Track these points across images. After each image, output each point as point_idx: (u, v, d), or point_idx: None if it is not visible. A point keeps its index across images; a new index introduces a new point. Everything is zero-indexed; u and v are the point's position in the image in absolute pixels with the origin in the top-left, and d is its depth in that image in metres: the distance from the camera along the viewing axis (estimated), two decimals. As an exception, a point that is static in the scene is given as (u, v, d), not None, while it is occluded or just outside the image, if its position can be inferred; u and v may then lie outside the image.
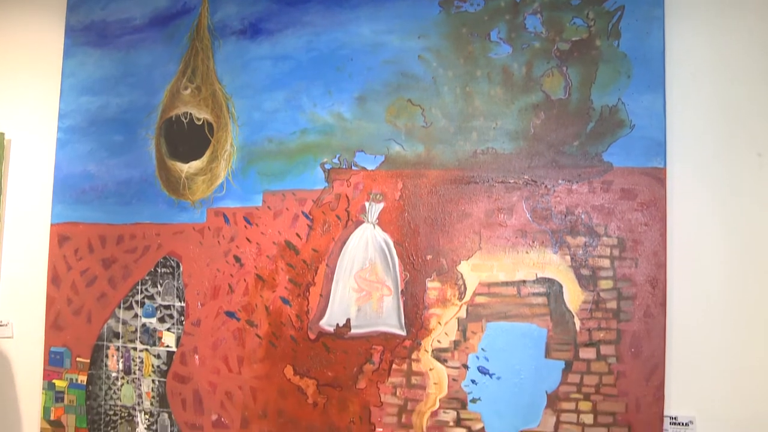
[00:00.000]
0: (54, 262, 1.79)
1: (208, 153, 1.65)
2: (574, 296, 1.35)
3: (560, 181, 1.37)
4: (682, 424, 1.31)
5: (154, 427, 1.65)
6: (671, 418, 1.31)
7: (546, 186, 1.38)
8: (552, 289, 1.36)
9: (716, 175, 1.35)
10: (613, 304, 1.32)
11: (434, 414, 1.42)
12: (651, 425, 1.29)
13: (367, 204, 1.48)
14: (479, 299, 1.40)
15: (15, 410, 1.85)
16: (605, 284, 1.33)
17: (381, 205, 1.47)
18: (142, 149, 1.73)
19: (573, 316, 1.35)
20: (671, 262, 1.32)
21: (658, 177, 1.32)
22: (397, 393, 1.45)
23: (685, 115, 1.37)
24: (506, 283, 1.39)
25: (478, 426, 1.39)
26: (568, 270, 1.35)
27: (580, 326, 1.34)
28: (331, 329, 1.49)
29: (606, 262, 1.34)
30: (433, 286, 1.43)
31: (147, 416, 1.67)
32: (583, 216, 1.36)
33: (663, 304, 1.30)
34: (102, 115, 1.77)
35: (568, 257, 1.35)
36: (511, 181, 1.41)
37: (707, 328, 1.32)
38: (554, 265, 1.36)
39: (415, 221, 1.45)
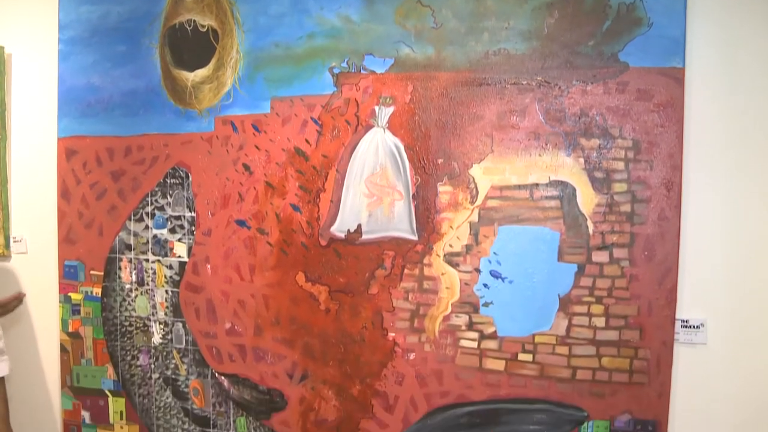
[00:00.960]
0: (63, 177, 1.96)
1: (213, 60, 1.78)
2: (587, 199, 1.45)
3: (574, 82, 1.45)
4: (693, 327, 1.44)
5: (169, 337, 1.85)
6: (683, 321, 1.44)
7: (560, 87, 1.47)
8: (565, 192, 1.47)
9: (736, 75, 1.40)
10: (626, 207, 1.43)
11: (446, 318, 1.57)
12: (662, 328, 1.42)
13: (376, 108, 1.60)
14: (491, 203, 1.52)
15: (35, 323, 2.06)
16: (619, 187, 1.43)
17: (391, 109, 1.60)
18: (147, 59, 1.86)
19: (586, 220, 1.45)
20: (687, 165, 1.40)
21: (676, 77, 1.39)
22: (409, 298, 1.60)
23: (706, 12, 1.40)
24: (519, 187, 1.50)
25: (491, 330, 1.54)
26: (582, 173, 1.46)
27: (593, 229, 1.45)
28: (342, 235, 1.64)
29: (620, 165, 1.43)
30: (444, 190, 1.56)
31: (162, 326, 1.87)
32: (597, 118, 1.44)
33: (678, 207, 1.39)
34: (103, 24, 1.90)
35: (581, 160, 1.45)
36: (524, 82, 1.49)
37: (721, 231, 1.42)
38: (567, 168, 1.46)
39: (426, 125, 1.56)
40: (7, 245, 1.99)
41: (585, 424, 1.47)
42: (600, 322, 1.45)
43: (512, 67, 1.48)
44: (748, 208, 1.40)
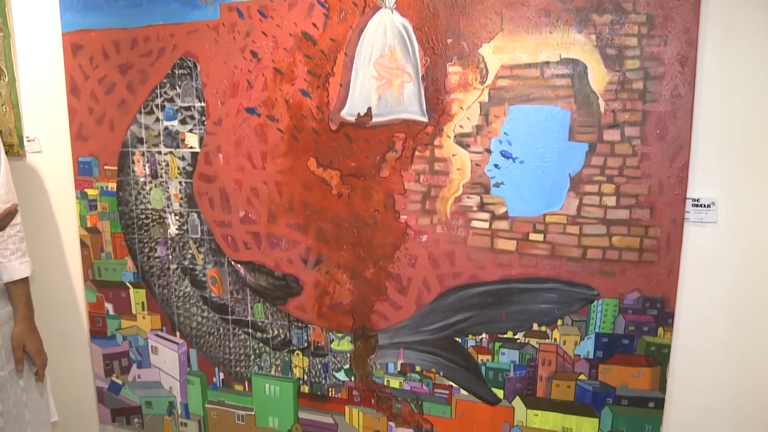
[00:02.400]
0: (71, 73, 2.21)
1: (216, -55, 2.02)
2: (598, 77, 1.61)
3: None
4: (704, 205, 1.60)
5: (184, 227, 2.11)
6: (693, 199, 1.60)
7: None
8: (576, 70, 1.62)
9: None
10: (639, 85, 1.58)
11: (458, 199, 1.78)
12: (673, 207, 1.60)
13: None
14: (501, 82, 1.70)
15: (54, 220, 2.34)
16: (632, 64, 1.58)
17: None
18: None
19: (597, 98, 1.61)
20: (703, 40, 1.52)
21: (694, -55, 1.45)
22: (421, 180, 1.84)
23: None
24: (529, 65, 1.66)
25: (502, 210, 1.76)
26: (593, 50, 1.60)
27: (605, 107, 1.61)
28: (353, 119, 1.86)
29: (633, 41, 1.57)
30: (454, 70, 1.75)
31: (177, 217, 2.13)
32: None
33: (692, 83, 1.53)
34: None
35: (593, 36, 1.59)
36: None
37: (736, 107, 1.54)
38: (579, 45, 1.61)
39: (434, 4, 1.70)
40: (21, 145, 2.31)
41: (595, 303, 1.69)
42: (611, 201, 1.64)
43: (522, -61, 1.56)
44: (765, 82, 1.51)
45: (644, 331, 1.68)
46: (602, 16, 1.58)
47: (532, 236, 1.73)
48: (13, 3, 2.21)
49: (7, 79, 2.19)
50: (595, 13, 1.58)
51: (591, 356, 1.73)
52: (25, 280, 1.85)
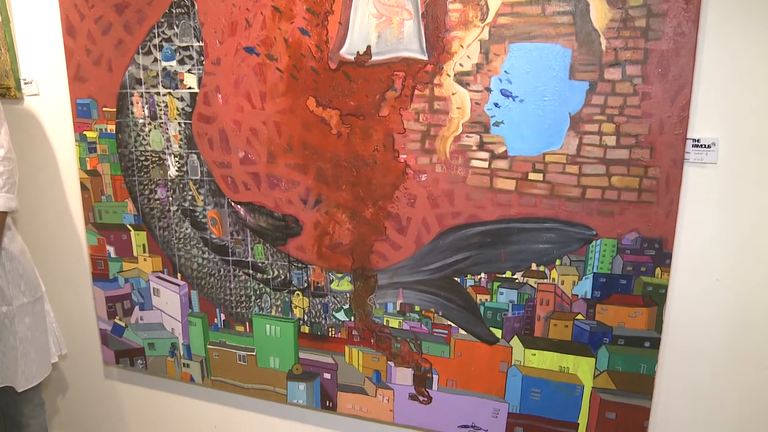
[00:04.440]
0: (66, 12, 2.18)
1: None
2: (600, 14, 1.61)
3: None
4: (705, 146, 1.62)
5: (184, 169, 2.14)
6: (694, 140, 1.62)
7: None
8: (578, 7, 1.62)
9: None
10: (642, 22, 1.58)
11: (457, 138, 1.81)
12: (673, 147, 1.62)
13: None
14: (502, 20, 1.69)
15: (54, 163, 2.38)
16: (635, 1, 1.57)
17: None
18: None
19: (599, 36, 1.62)
20: None
21: None
22: (420, 119, 1.85)
23: None
24: (530, 2, 1.66)
25: (501, 149, 1.78)
26: None
27: (606, 46, 1.61)
28: (352, 57, 1.87)
29: None
30: (454, 7, 1.73)
31: (177, 159, 2.16)
32: None
33: (695, 21, 1.53)
34: None
35: None
36: None
37: (740, 47, 1.55)
38: None
39: None
40: (18, 87, 2.35)
41: (593, 243, 1.73)
42: (611, 141, 1.66)
43: None
44: (770, 20, 1.47)
45: (642, 272, 1.72)
46: (604, -49, 1.51)
47: (532, 176, 1.76)
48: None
49: (1, 20, 2.22)
50: (599, -53, 1.51)
51: (589, 296, 1.78)
52: (1, 213, 1.91)
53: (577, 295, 1.76)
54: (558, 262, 1.79)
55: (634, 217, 1.69)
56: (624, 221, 1.70)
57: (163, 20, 2.05)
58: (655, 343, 1.71)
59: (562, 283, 1.77)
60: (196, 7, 1.98)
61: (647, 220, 1.68)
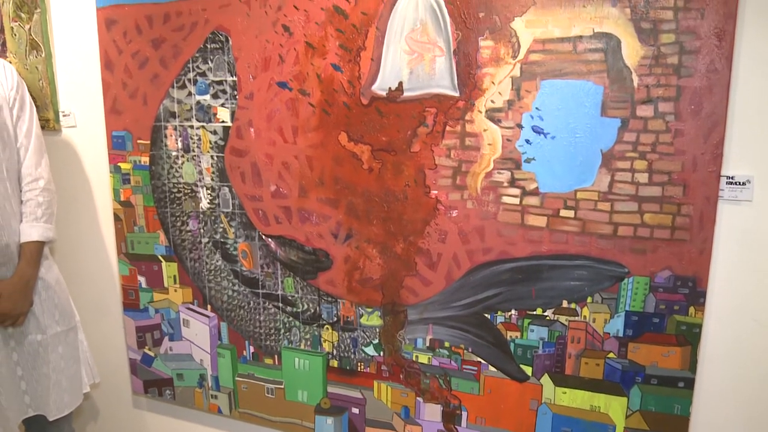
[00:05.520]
0: (105, 47, 2.28)
1: None
2: (632, 51, 1.64)
3: None
4: (739, 183, 1.63)
5: (216, 201, 2.19)
6: (728, 177, 1.63)
7: None
8: (609, 45, 1.65)
9: None
10: (674, 59, 1.61)
11: (488, 175, 1.84)
12: (707, 184, 1.62)
13: None
14: (533, 57, 1.73)
15: (88, 194, 2.45)
16: (667, 38, 1.61)
17: None
18: None
19: (631, 72, 1.64)
20: (742, 13, 1.54)
21: None
22: (451, 155, 1.89)
23: None
24: (562, 39, 1.70)
25: (533, 186, 1.80)
26: (628, 24, 1.63)
27: (638, 83, 1.64)
28: (384, 93, 1.92)
29: (669, 14, 1.59)
30: (485, 44, 1.79)
31: (209, 191, 2.21)
32: None
33: (729, 58, 1.55)
34: None
35: (627, 10, 1.62)
36: None
37: None
38: (613, 19, 1.64)
39: None
40: (57, 119, 2.43)
41: (625, 280, 1.74)
42: (643, 177, 1.68)
43: None
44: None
45: (675, 310, 1.72)
46: (637, -11, 1.54)
47: (563, 212, 1.77)
48: (49, -20, 2.29)
49: (43, 55, 2.31)
50: (630, -15, 1.54)
51: (621, 334, 1.78)
52: (38, 243, 1.97)
53: (609, 333, 1.77)
54: (589, 299, 1.80)
55: (667, 254, 1.70)
56: (657, 259, 1.71)
57: (197, 55, 2.12)
58: (690, 384, 1.71)
59: (594, 321, 1.78)
60: (230, 42, 2.04)
61: (680, 258, 1.69)
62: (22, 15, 2.12)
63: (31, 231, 1.92)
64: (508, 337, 1.88)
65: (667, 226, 1.69)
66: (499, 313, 1.88)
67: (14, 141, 1.88)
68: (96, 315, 2.52)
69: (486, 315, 1.91)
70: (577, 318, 1.81)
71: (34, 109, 1.97)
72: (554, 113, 1.74)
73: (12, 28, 2.15)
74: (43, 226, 1.92)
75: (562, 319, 1.82)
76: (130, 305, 2.20)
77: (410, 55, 1.81)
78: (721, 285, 1.70)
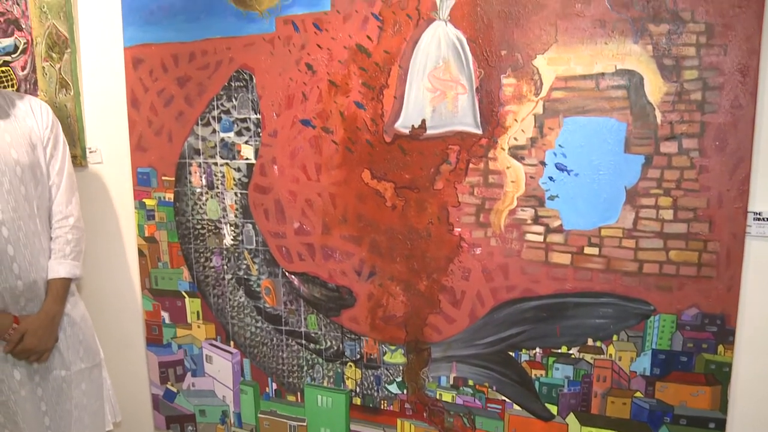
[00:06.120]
0: (131, 86, 2.35)
1: (273, -40, 2.16)
2: (655, 88, 1.66)
3: None
4: (766, 219, 1.62)
5: (240, 238, 2.23)
6: (755, 213, 1.63)
7: None
8: (632, 82, 1.67)
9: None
10: (697, 96, 1.62)
11: (512, 212, 1.86)
12: (733, 220, 1.62)
13: (437, 0, 1.84)
14: (556, 94, 1.76)
15: (113, 229, 2.48)
16: (690, 74, 1.62)
17: (452, 1, 1.81)
18: None
19: (654, 109, 1.66)
20: (766, 48, 1.55)
21: (756, -49, 1.47)
22: (475, 192, 1.90)
23: None
24: (584, 77, 1.72)
25: (556, 223, 1.82)
26: (650, 60, 1.65)
27: (662, 119, 1.66)
28: (407, 131, 1.95)
29: (691, 51, 1.61)
30: (508, 82, 1.81)
31: (232, 228, 2.25)
32: (667, 1, 1.60)
33: (753, 94, 1.56)
34: (161, -72, 2.27)
35: (649, 47, 1.64)
36: None
37: None
38: (635, 56, 1.66)
39: (488, 16, 1.78)
40: (84, 156, 2.48)
41: (651, 318, 1.74)
42: (668, 214, 1.68)
43: (577, -50, 1.61)
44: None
45: (703, 349, 1.71)
46: (659, 26, 1.63)
47: (587, 250, 1.78)
48: (80, 21, 2.40)
49: (72, 93, 2.38)
50: (652, 23, 1.64)
51: (648, 373, 1.77)
52: (65, 280, 2.00)
53: (636, 372, 1.77)
54: (615, 337, 1.79)
55: (694, 292, 1.70)
56: (683, 296, 1.71)
57: (222, 93, 2.16)
58: (721, 425, 1.70)
59: (620, 359, 1.77)
60: (254, 80, 2.09)
61: (708, 296, 1.69)
62: (54, 55, 2.22)
63: (59, 268, 1.95)
64: (533, 376, 1.88)
65: (693, 263, 1.69)
66: (524, 351, 1.88)
67: (46, 179, 1.93)
68: (119, 349, 2.55)
69: (510, 353, 1.90)
70: (602, 356, 1.80)
71: (67, 147, 2.03)
72: (577, 150, 1.76)
73: (43, 67, 2.22)
74: (71, 264, 1.96)
75: (588, 357, 1.81)
76: (154, 340, 2.23)
77: (433, 93, 1.84)
78: (750, 322, 1.69)
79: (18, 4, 2.37)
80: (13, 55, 2.42)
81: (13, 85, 2.43)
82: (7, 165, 1.85)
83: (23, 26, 2.38)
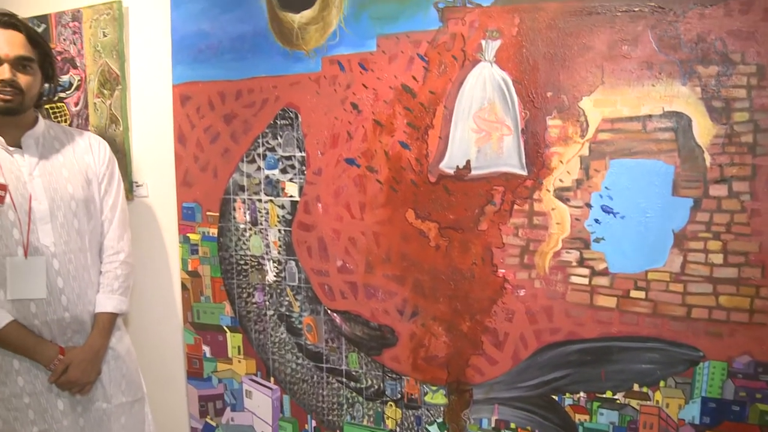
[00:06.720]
0: (179, 122, 2.41)
1: (319, 1, 2.18)
2: (704, 130, 1.65)
3: (691, 6, 1.61)
4: None
5: (282, 275, 2.26)
6: None
7: (675, 12, 1.64)
8: (680, 124, 1.66)
9: None
10: (748, 138, 1.61)
11: (557, 254, 1.85)
12: None
13: (483, 42, 1.88)
14: (602, 136, 1.76)
15: (157, 263, 2.53)
16: (740, 116, 1.61)
17: (498, 43, 1.90)
18: (254, 3, 2.18)
19: (703, 152, 1.66)
20: None
21: (809, -9, 1.47)
22: (519, 234, 1.90)
23: None
24: (631, 119, 1.72)
25: (602, 266, 1.80)
26: (699, 102, 1.65)
27: (711, 162, 1.65)
28: (452, 171, 1.97)
29: (742, 93, 1.60)
30: (553, 123, 1.83)
31: (275, 264, 2.29)
32: (716, 43, 1.61)
33: None
34: (210, -30, 2.33)
35: (698, 89, 1.64)
36: (636, 9, 1.67)
37: None
38: (683, 98, 1.66)
39: (534, 57, 1.81)
40: (130, 190, 2.55)
41: (700, 365, 1.71)
42: (718, 258, 1.66)
43: (624, -7, 1.62)
44: None
45: (757, 399, 1.67)
46: (708, 68, 1.63)
47: (634, 293, 1.77)
48: (131, 59, 2.49)
49: (121, 128, 2.45)
50: (701, 65, 1.63)
51: (697, 422, 1.74)
52: (111, 315, 2.05)
53: (684, 420, 1.74)
54: (662, 383, 1.77)
55: (746, 339, 1.66)
56: (734, 343, 1.68)
57: (267, 131, 2.21)
58: (774, 479, 1.65)
59: (667, 406, 1.75)
60: (299, 119, 2.13)
61: (761, 343, 1.65)
62: (105, 91, 2.24)
63: (106, 302, 1.99)
64: (577, 420, 1.86)
65: (744, 309, 1.65)
66: (567, 395, 1.86)
67: (100, 213, 1.99)
68: (160, 382, 2.58)
69: (554, 396, 1.89)
70: (649, 402, 1.78)
71: (122, 184, 2.09)
72: (624, 193, 1.76)
73: (95, 103, 2.32)
74: (118, 299, 2.00)
75: (633, 403, 1.79)
76: (194, 374, 2.25)
77: (478, 134, 1.86)
78: (805, 372, 1.58)
79: (74, 44, 2.46)
80: (67, 92, 2.50)
81: (66, 120, 2.51)
82: (62, 199, 1.91)
83: (78, 64, 2.47)
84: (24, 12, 1.83)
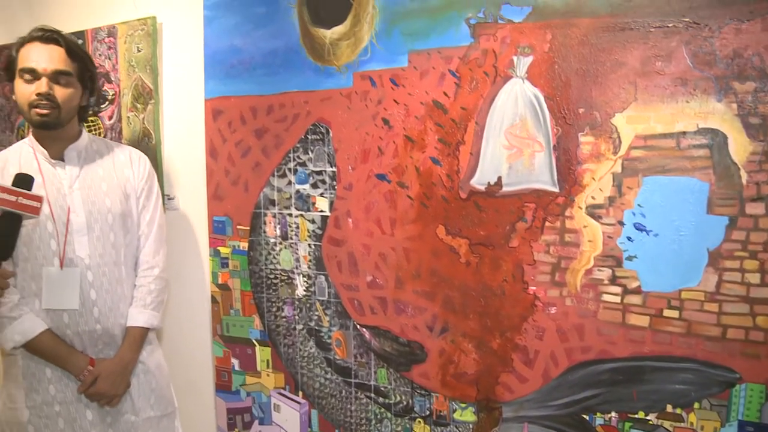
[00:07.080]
0: (210, 136, 2.47)
1: (350, 17, 2.22)
2: (740, 147, 1.63)
3: (727, 21, 1.60)
4: None
5: (312, 289, 2.28)
6: None
7: (710, 28, 1.62)
8: (715, 141, 1.64)
9: None
10: None
11: (588, 272, 1.84)
12: None
13: (515, 58, 1.89)
14: (635, 153, 1.74)
15: (189, 275, 2.56)
16: None
17: (530, 59, 1.91)
18: (285, 18, 2.28)
19: (739, 169, 1.63)
20: None
21: None
22: (551, 251, 1.89)
23: None
24: (664, 135, 1.71)
25: (635, 284, 1.78)
26: (734, 119, 1.63)
27: (747, 179, 1.62)
28: (483, 188, 1.96)
29: None
30: (586, 140, 1.82)
31: (305, 279, 2.31)
32: (753, 58, 1.59)
33: None
34: (243, -14, 2.33)
35: (734, 105, 1.62)
36: (670, 24, 1.67)
37: None
38: (718, 115, 1.64)
39: (566, 73, 1.81)
40: (162, 203, 2.65)
41: (737, 387, 1.67)
42: (754, 278, 1.63)
43: (657, 8, 1.66)
44: None
45: (797, 423, 1.58)
46: (744, 84, 1.61)
47: (667, 312, 1.75)
48: (164, 74, 2.54)
49: (153, 142, 2.49)
50: (737, 80, 1.61)
51: (733, 445, 1.69)
52: (143, 329, 2.08)
53: (720, 443, 1.69)
54: (696, 405, 1.74)
55: (785, 361, 1.56)
56: (772, 365, 1.58)
57: (298, 145, 2.23)
58: (814, 506, 1.61)
59: (702, 429, 1.73)
60: (330, 134, 2.15)
61: (800, 366, 1.55)
62: (138, 105, 2.28)
63: (138, 316, 2.02)
64: (609, 441, 1.82)
65: (783, 331, 1.55)
66: (598, 414, 1.85)
67: (136, 228, 2.02)
68: (188, 394, 2.60)
69: (584, 416, 1.88)
70: (683, 424, 1.76)
71: (160, 199, 2.14)
72: (657, 210, 1.74)
73: (128, 117, 2.38)
74: (150, 314, 2.03)
75: (667, 424, 1.77)
76: (223, 387, 2.28)
77: (509, 150, 1.86)
78: None
79: (109, 59, 2.51)
80: (102, 106, 2.55)
81: (100, 134, 2.57)
82: (100, 213, 1.95)
83: (113, 79, 2.52)
84: (61, 28, 1.88)
